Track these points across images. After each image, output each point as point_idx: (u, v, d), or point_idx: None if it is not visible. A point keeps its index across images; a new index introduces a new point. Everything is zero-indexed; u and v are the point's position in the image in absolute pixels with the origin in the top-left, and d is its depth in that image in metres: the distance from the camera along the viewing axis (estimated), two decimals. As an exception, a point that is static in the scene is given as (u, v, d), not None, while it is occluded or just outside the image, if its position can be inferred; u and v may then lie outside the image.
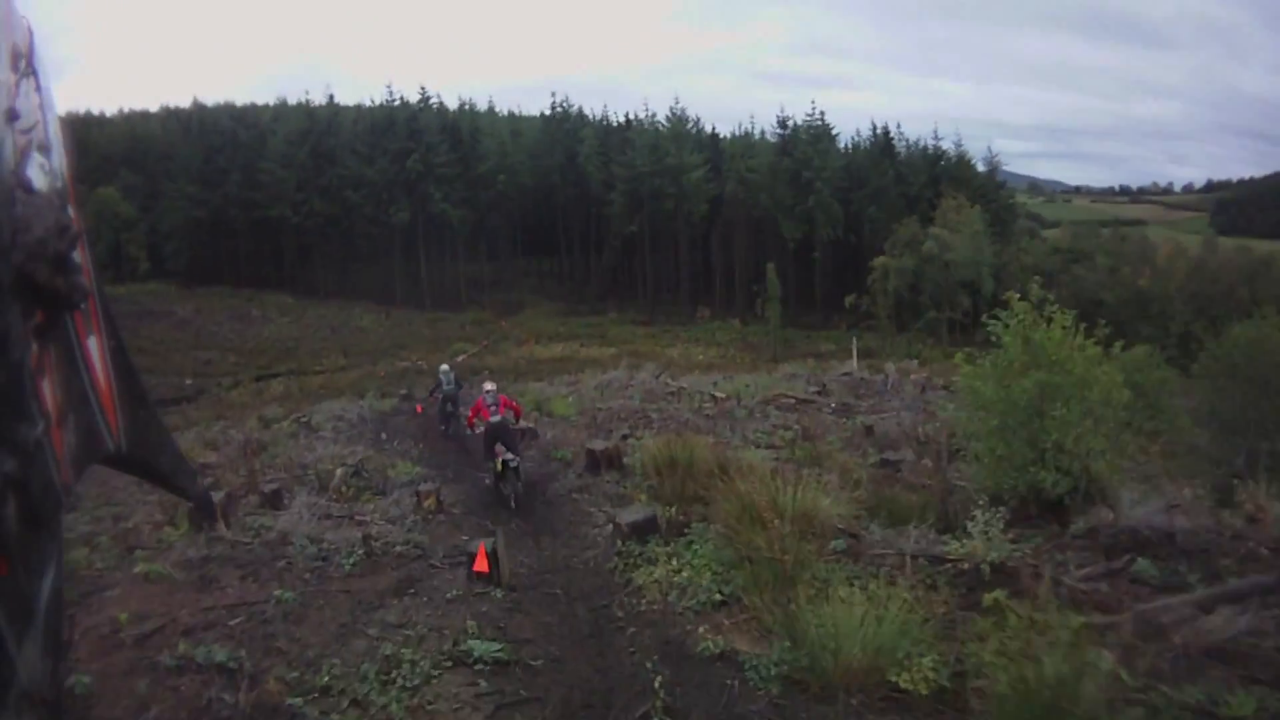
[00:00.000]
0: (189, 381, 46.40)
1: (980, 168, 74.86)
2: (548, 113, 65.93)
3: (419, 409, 15.20)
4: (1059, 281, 63.54)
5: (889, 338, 59.39)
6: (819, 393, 15.47)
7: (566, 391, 19.49)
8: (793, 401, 15.15)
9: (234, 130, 63.71)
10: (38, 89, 1.11)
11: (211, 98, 67.78)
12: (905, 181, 68.32)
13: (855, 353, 36.74)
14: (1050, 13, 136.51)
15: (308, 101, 62.80)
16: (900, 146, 71.52)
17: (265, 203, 60.05)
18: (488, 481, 9.91)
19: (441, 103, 62.58)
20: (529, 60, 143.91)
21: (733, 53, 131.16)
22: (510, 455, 9.20)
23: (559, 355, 51.24)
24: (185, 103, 69.26)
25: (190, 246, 62.48)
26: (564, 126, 63.22)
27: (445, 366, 15.26)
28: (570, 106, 64.44)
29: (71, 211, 1.15)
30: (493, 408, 9.64)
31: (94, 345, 1.23)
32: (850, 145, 71.35)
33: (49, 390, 1.00)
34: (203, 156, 62.33)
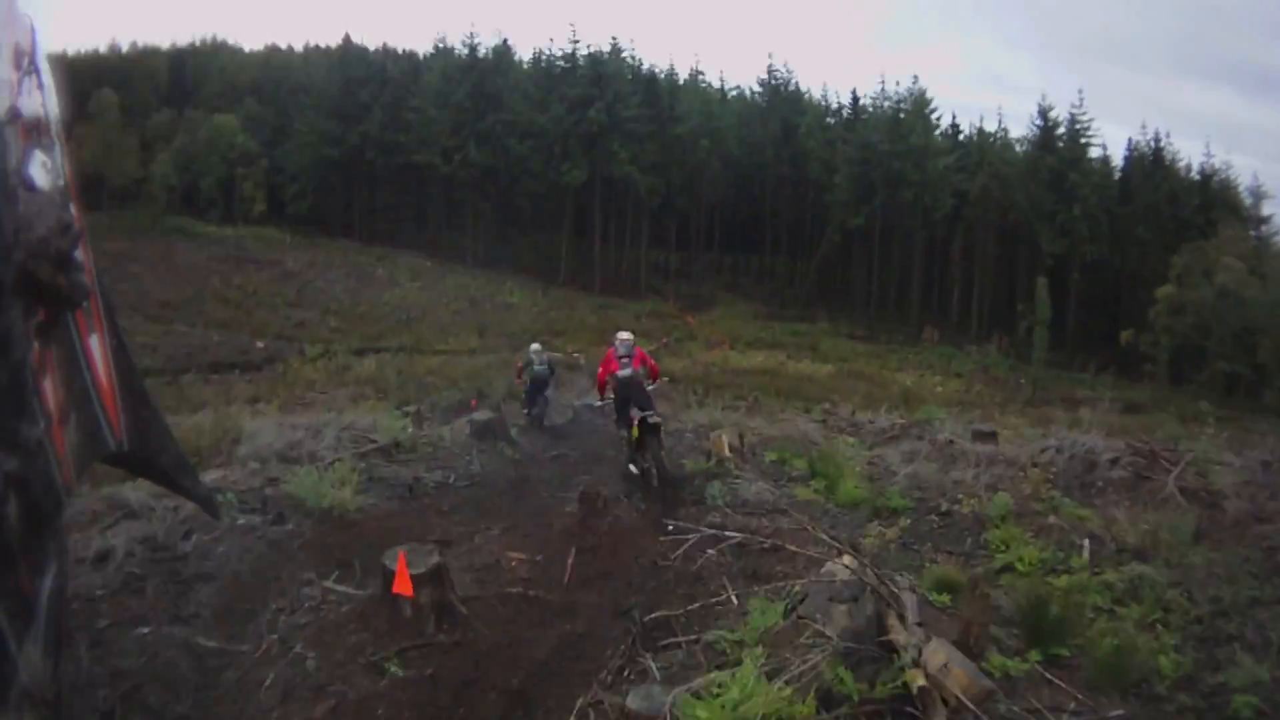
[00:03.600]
0: (260, 344, 36.22)
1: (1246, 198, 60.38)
2: (756, 89, 54.03)
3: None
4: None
5: (1165, 390, 45.99)
6: None
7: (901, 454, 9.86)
8: None
9: (383, 64, 54.26)
10: (40, 87, 1.09)
11: (368, 41, 57.59)
12: (1178, 202, 54.74)
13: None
14: (1209, 66, 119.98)
15: (473, 41, 52.67)
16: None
17: (411, 146, 50.13)
18: (625, 461, 7.87)
19: (637, 58, 51.46)
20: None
21: (903, 78, 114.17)
22: (650, 411, 7.38)
23: (760, 366, 39.65)
24: (334, 41, 59.84)
25: (316, 191, 53.05)
26: (781, 95, 51.43)
27: (536, 346, 13.76)
28: (789, 76, 52.60)
29: (73, 209, 1.13)
30: (625, 359, 7.64)
31: (96, 344, 1.18)
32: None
33: (51, 389, 0.99)
34: (341, 88, 52.99)
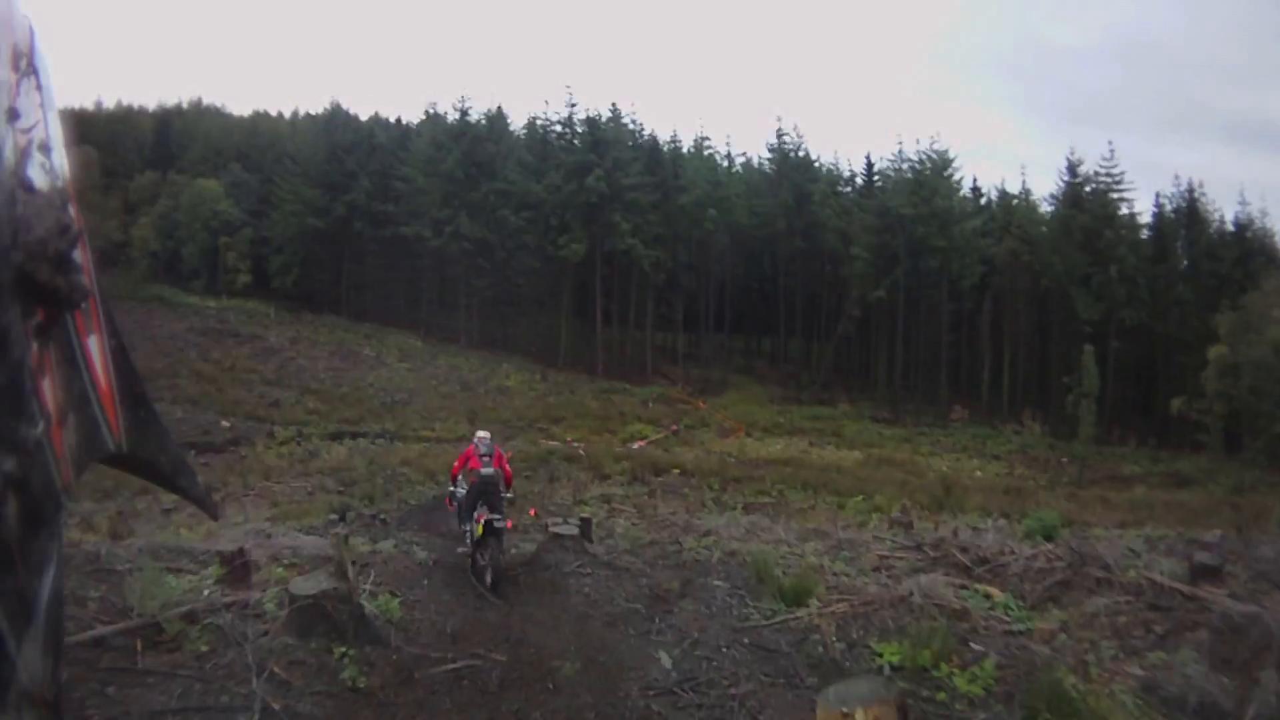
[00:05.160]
0: (226, 424, 33.19)
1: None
2: (764, 156, 50.82)
3: None
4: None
5: (1216, 461, 42.45)
6: None
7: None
8: None
9: (370, 130, 51.60)
10: (38, 88, 1.09)
11: (358, 110, 54.85)
12: (1216, 257, 51.39)
13: None
14: (1192, 121, 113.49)
15: (465, 106, 49.87)
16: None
17: (400, 218, 47.36)
18: (460, 550, 7.74)
19: (638, 123, 48.55)
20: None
21: (921, 141, 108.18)
22: (495, 515, 7.36)
23: (781, 455, 35.97)
24: (323, 108, 57.13)
25: (303, 264, 50.25)
26: (791, 161, 48.30)
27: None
28: (799, 141, 49.35)
29: (72, 210, 1.12)
30: (485, 458, 7.77)
31: (94, 345, 1.19)
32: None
33: (49, 390, 1.00)
34: (328, 155, 50.35)
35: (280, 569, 6.82)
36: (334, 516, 12.68)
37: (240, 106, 75.67)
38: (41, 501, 0.91)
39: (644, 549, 8.64)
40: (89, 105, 64.43)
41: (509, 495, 8.11)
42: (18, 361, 0.88)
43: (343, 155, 49.83)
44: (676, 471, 31.22)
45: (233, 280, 51.58)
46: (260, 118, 60.03)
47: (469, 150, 46.66)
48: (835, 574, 7.34)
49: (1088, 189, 48.43)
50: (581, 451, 31.65)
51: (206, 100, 61.36)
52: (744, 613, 6.09)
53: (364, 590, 6.00)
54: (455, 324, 45.51)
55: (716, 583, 6.82)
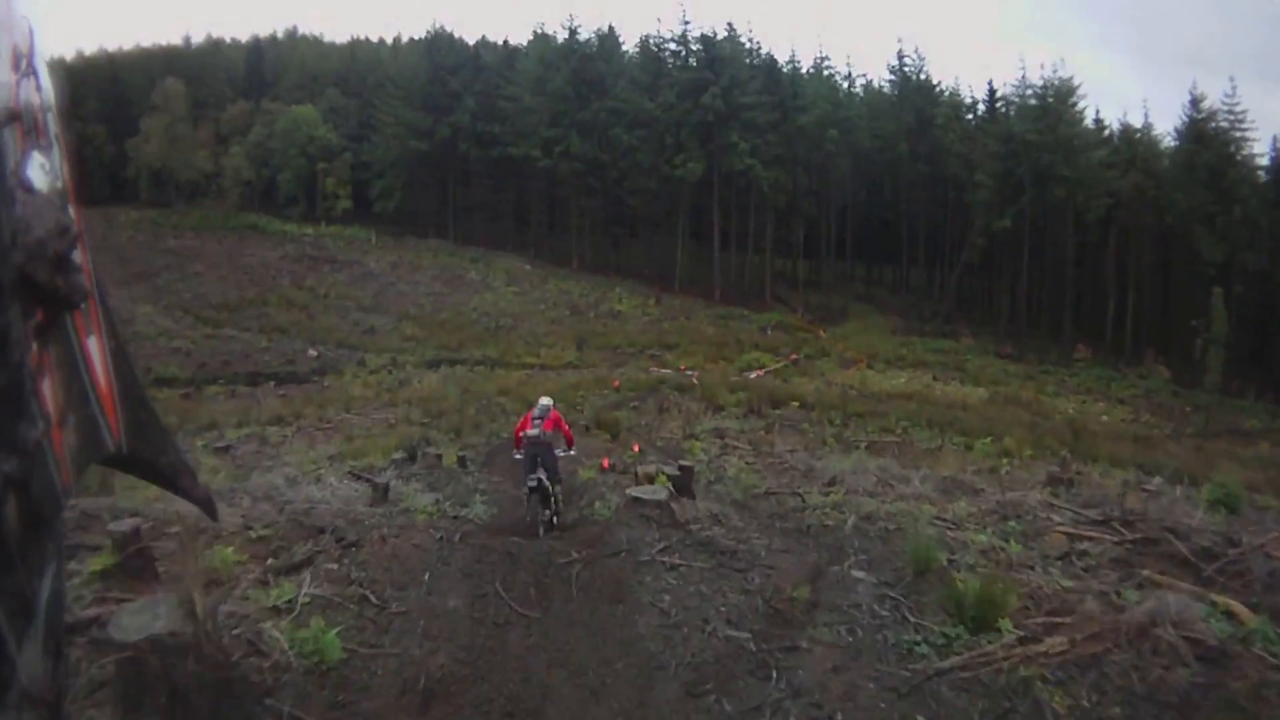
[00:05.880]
0: (313, 352, 32.34)
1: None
2: (886, 79, 49.67)
3: None
4: None
5: None
6: None
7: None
8: None
9: (475, 51, 51.00)
10: (38, 88, 1.13)
11: (462, 34, 53.72)
12: (1339, 202, 49.70)
13: None
14: None
15: (574, 25, 49.12)
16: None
17: (507, 138, 46.83)
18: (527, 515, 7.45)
19: (755, 41, 47.51)
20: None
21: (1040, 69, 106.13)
22: (539, 475, 7.49)
23: (904, 390, 34.73)
24: (423, 32, 56.44)
25: (406, 187, 49.94)
26: (913, 84, 47.20)
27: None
28: (921, 64, 48.15)
29: (72, 211, 1.17)
30: (537, 420, 7.97)
31: (94, 345, 1.23)
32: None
33: (49, 390, 1.02)
34: (431, 77, 49.84)
35: (229, 549, 4.63)
36: (400, 455, 11.71)
37: (337, 35, 74.81)
38: (41, 502, 0.92)
39: (757, 501, 7.56)
40: (178, 41, 64.42)
41: (571, 452, 8.40)
42: (18, 362, 0.88)
43: (446, 77, 49.29)
44: (795, 404, 29.58)
45: (331, 206, 51.47)
46: (359, 44, 59.57)
47: (579, 69, 45.95)
48: (1019, 565, 5.31)
49: (1211, 126, 47.02)
50: (695, 380, 30.57)
51: (302, 30, 60.73)
52: (905, 640, 4.12)
53: (305, 598, 4.08)
54: (566, 247, 45.06)
55: (857, 574, 5.02)
